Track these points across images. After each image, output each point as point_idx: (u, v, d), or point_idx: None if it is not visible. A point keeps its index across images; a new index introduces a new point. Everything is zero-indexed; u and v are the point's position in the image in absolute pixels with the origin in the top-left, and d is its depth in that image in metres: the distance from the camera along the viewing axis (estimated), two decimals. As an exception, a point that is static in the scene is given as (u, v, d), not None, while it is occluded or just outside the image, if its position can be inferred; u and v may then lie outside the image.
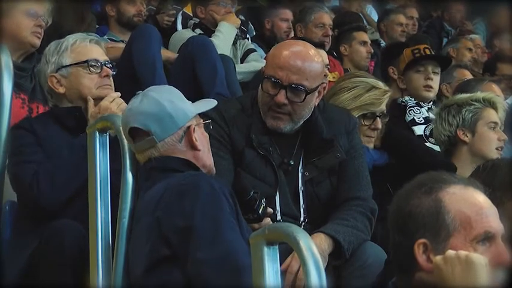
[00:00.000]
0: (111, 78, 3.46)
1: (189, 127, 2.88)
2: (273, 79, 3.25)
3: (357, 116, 3.75)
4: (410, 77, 4.83)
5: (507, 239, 2.22)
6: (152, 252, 2.66)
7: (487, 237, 2.17)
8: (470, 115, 3.99)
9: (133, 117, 2.87)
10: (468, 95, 4.18)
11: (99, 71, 3.43)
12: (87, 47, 3.46)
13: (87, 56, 3.43)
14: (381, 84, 3.94)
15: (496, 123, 4.02)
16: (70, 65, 3.42)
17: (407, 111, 4.83)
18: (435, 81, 4.96)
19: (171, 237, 2.62)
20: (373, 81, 3.93)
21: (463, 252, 2.11)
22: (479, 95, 4.13)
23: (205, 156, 2.93)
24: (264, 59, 5.42)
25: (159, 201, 2.70)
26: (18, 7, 3.94)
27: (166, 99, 2.88)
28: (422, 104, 4.91)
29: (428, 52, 5.00)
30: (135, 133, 2.87)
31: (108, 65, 3.46)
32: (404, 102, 4.89)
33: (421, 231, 2.19)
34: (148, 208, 2.72)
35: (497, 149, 4.00)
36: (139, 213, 2.79)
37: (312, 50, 3.32)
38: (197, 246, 2.56)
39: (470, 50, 7.09)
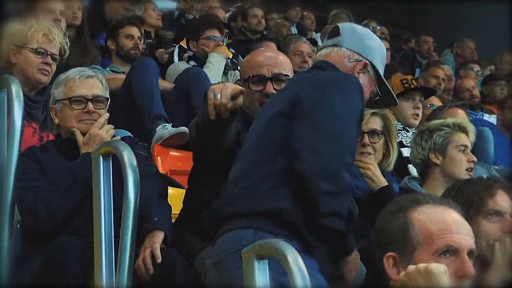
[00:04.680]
0: (95, 113, 3.54)
1: (362, 61, 3.01)
2: (256, 77, 3.45)
3: None
4: (400, 105, 4.89)
5: (472, 252, 2.36)
6: (284, 103, 2.81)
7: (450, 251, 2.30)
8: (441, 139, 4.08)
9: (347, 23, 3.18)
10: (440, 120, 4.29)
11: (82, 107, 3.55)
12: (76, 84, 3.56)
13: (73, 93, 3.55)
14: None
15: (465, 146, 4.10)
16: (60, 100, 3.60)
17: (396, 134, 4.75)
18: (421, 110, 5.21)
19: (302, 101, 2.74)
20: None
21: (421, 265, 2.22)
22: (449, 120, 4.23)
23: None
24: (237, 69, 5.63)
25: (308, 78, 2.90)
26: (28, 45, 4.07)
27: (375, 40, 3.09)
28: (408, 128, 5.11)
29: (415, 83, 5.23)
30: (335, 32, 3.08)
31: (97, 99, 3.57)
32: None
33: (391, 245, 2.34)
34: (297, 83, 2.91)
35: (467, 170, 4.08)
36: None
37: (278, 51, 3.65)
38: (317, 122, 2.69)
39: (436, 76, 7.31)
